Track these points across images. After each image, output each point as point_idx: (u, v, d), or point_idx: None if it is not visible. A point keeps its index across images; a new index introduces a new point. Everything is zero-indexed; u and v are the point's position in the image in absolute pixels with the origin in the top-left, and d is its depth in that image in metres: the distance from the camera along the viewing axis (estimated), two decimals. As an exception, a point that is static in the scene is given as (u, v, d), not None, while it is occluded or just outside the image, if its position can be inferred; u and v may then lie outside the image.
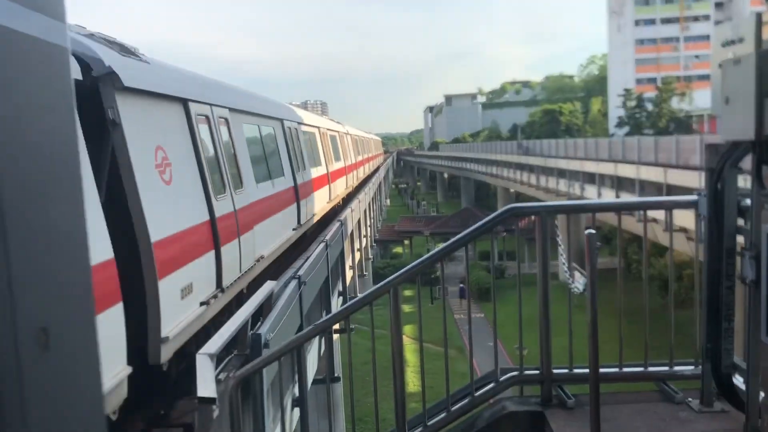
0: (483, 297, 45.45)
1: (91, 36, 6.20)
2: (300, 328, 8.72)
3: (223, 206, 8.05)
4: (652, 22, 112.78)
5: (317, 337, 8.77)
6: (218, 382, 5.40)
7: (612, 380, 5.03)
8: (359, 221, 23.38)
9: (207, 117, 8.24)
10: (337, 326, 7.27)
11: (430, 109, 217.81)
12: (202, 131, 7.96)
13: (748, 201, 4.06)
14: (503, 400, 5.03)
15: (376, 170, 50.17)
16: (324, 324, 5.14)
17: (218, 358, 5.54)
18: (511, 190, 67.49)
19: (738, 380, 4.36)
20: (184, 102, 7.53)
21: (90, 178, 5.21)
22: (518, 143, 68.81)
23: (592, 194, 39.77)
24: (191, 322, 6.69)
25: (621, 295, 5.12)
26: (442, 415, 4.83)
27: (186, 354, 6.70)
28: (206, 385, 5.03)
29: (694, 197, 4.59)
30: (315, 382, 12.01)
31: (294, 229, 12.91)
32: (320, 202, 16.97)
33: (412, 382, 25.33)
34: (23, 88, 1.02)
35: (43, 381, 0.99)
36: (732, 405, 4.45)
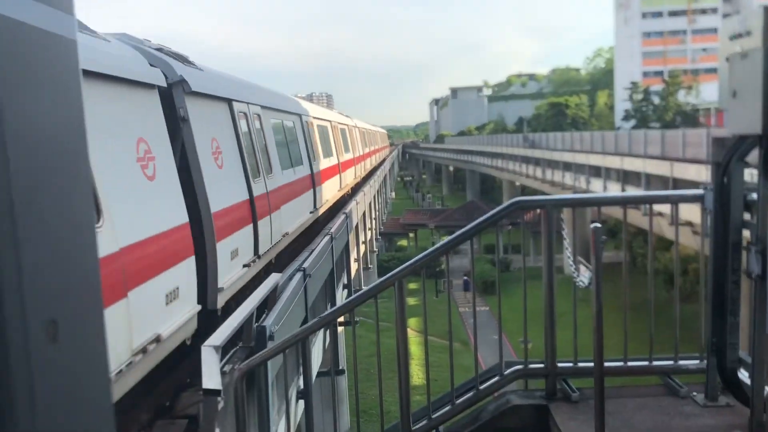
0: (488, 290, 45.44)
1: (160, 49, 7.53)
2: (305, 321, 8.74)
3: (258, 188, 9.58)
4: (659, 14, 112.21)
5: (322, 330, 8.78)
6: (223, 374, 5.42)
7: (617, 374, 5.04)
8: (364, 214, 23.36)
9: (245, 113, 9.79)
10: (341, 319, 7.30)
11: (436, 101, 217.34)
12: (242, 125, 9.48)
13: (754, 195, 4.05)
14: (508, 394, 5.03)
15: (382, 162, 51.10)
16: (329, 316, 5.15)
17: (223, 350, 5.56)
18: (517, 183, 67.41)
19: (743, 375, 4.36)
20: (228, 101, 9.06)
21: (171, 162, 6.63)
22: (524, 136, 68.67)
23: (597, 188, 39.71)
24: (237, 279, 8.21)
25: (626, 289, 5.12)
26: (447, 408, 4.84)
27: (230, 307, 7.61)
28: (211, 377, 5.05)
29: (700, 191, 4.58)
30: (320, 374, 12.03)
31: (311, 212, 14.58)
32: (332, 190, 18.61)
33: (417, 375, 25.37)
34: (31, 80, 1.02)
35: (51, 372, 1.00)
36: (737, 399, 4.44)
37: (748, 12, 3.81)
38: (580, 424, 4.43)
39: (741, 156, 4.11)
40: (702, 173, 25.50)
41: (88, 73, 5.15)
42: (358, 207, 19.88)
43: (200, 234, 7.17)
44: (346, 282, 16.63)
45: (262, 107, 11.13)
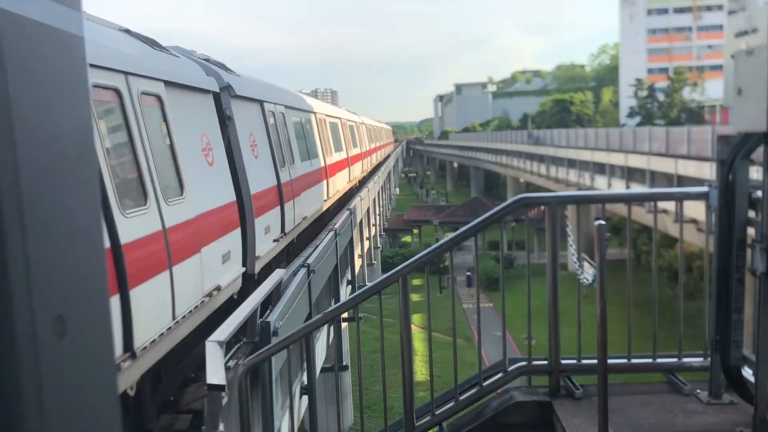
0: (491, 287, 45.41)
1: (207, 60, 9.39)
2: (309, 317, 8.76)
3: (284, 176, 11.28)
4: (664, 11, 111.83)
5: (326, 326, 8.80)
6: (227, 369, 5.44)
7: (620, 371, 5.04)
8: (368, 210, 23.38)
9: (273, 112, 11.54)
10: (345, 315, 7.30)
11: (440, 98, 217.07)
12: (270, 122, 11.14)
13: (759, 193, 4.04)
14: (511, 390, 5.04)
15: (387, 157, 52.33)
16: (333, 312, 5.16)
17: (228, 345, 5.57)
18: (521, 180, 67.29)
19: (747, 372, 4.35)
20: (260, 102, 10.77)
21: (223, 152, 8.24)
22: (528, 133, 68.54)
23: (602, 185, 39.59)
24: (269, 251, 9.77)
25: (630, 286, 5.11)
26: (450, 404, 4.84)
27: (265, 273, 9.25)
28: (215, 372, 5.07)
29: (705, 188, 4.57)
30: (323, 370, 12.06)
31: (324, 200, 16.17)
32: (342, 182, 20.34)
33: (420, 371, 25.39)
34: (39, 77, 1.02)
35: (59, 368, 1.01)
36: (741, 397, 4.44)
37: (754, 9, 3.81)
38: (583, 421, 4.43)
39: (746, 153, 4.10)
40: (703, 170, 25.41)
41: (177, 85, 7.15)
42: (362, 203, 19.92)
43: (242, 211, 8.66)
44: (350, 278, 16.65)
45: (285, 107, 12.93)
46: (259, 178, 9.69)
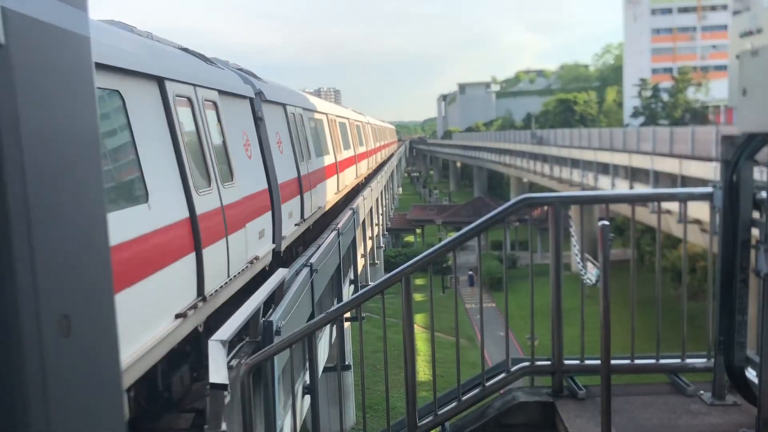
0: (494, 287, 45.39)
1: (240, 69, 11.25)
2: (311, 316, 8.76)
3: (303, 169, 12.85)
4: (668, 11, 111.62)
5: (328, 325, 8.80)
6: (230, 368, 5.44)
7: (623, 372, 5.03)
8: (371, 210, 23.41)
9: (293, 114, 13.15)
10: (348, 314, 7.30)
11: (444, 97, 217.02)
12: (291, 123, 12.74)
13: (763, 194, 4.04)
14: (514, 391, 5.03)
15: (391, 156, 53.34)
16: (335, 312, 5.16)
17: (230, 344, 5.58)
18: (524, 180, 67.23)
19: (750, 373, 4.35)
20: (284, 106, 12.35)
21: (257, 147, 9.88)
22: (532, 132, 68.47)
23: (605, 185, 39.55)
24: (292, 232, 11.35)
25: (633, 287, 5.11)
26: (453, 404, 4.84)
27: (285, 256, 11.06)
28: (218, 372, 5.07)
29: (709, 189, 4.56)
30: (326, 369, 12.07)
31: (335, 193, 17.82)
32: (350, 177, 22.11)
33: (423, 371, 25.37)
34: (45, 77, 1.02)
35: (64, 366, 1.01)
36: (744, 398, 4.43)
37: (759, 9, 3.79)
38: (586, 421, 4.43)
39: (750, 154, 4.10)
40: (707, 171, 25.36)
41: (226, 93, 8.66)
42: (365, 202, 19.95)
43: (272, 197, 10.16)
44: (352, 277, 16.65)
45: (303, 109, 14.57)
46: (284, 171, 11.27)
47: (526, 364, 4.99)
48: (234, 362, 5.85)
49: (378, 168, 37.10)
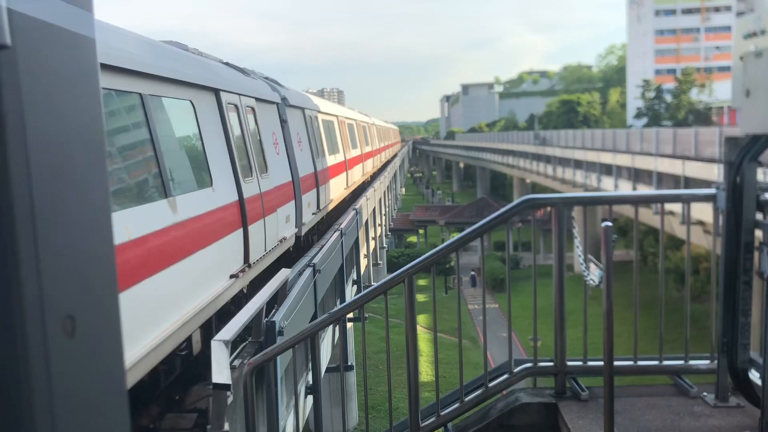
0: (497, 287, 45.37)
1: (266, 78, 12.91)
2: (314, 317, 8.77)
3: (319, 165, 14.58)
4: (672, 12, 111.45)
5: (331, 326, 8.80)
6: (233, 368, 5.44)
7: (626, 373, 5.02)
8: (374, 210, 23.44)
9: (310, 116, 14.87)
10: (351, 315, 7.31)
11: (447, 98, 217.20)
12: (308, 124, 14.40)
13: (767, 195, 4.03)
14: (517, 392, 5.03)
15: (394, 156, 55.06)
16: (338, 312, 5.16)
17: (233, 344, 5.58)
18: (527, 181, 67.17)
19: (754, 375, 4.34)
20: (302, 109, 14.07)
21: (283, 146, 11.40)
22: (535, 133, 68.38)
23: (608, 186, 39.50)
24: (310, 221, 12.83)
25: (636, 288, 5.10)
26: (456, 405, 4.84)
27: (303, 241, 12.70)
28: (221, 372, 5.07)
29: (712, 190, 4.56)
30: (328, 370, 12.08)
31: (345, 188, 19.53)
32: (358, 175, 23.80)
33: (426, 371, 25.36)
34: (51, 78, 1.03)
35: (69, 368, 1.01)
36: (747, 400, 4.43)
37: (763, 11, 3.79)
38: (589, 423, 4.43)
39: (754, 156, 4.09)
40: (707, 172, 25.33)
41: (261, 99, 10.38)
42: (368, 203, 19.98)
43: (294, 188, 11.61)
44: (355, 278, 16.65)
45: (317, 111, 16.18)
46: (304, 166, 12.88)
47: (529, 365, 4.98)
48: (237, 362, 5.86)
49: (383, 167, 39.44)
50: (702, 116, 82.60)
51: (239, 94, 8.90)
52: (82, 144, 1.11)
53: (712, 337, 4.68)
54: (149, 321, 5.26)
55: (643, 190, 33.16)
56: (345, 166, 19.65)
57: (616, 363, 4.20)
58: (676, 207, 20.53)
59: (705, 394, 4.70)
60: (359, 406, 18.26)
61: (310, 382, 7.71)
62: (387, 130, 54.03)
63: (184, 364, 5.87)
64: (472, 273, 50.92)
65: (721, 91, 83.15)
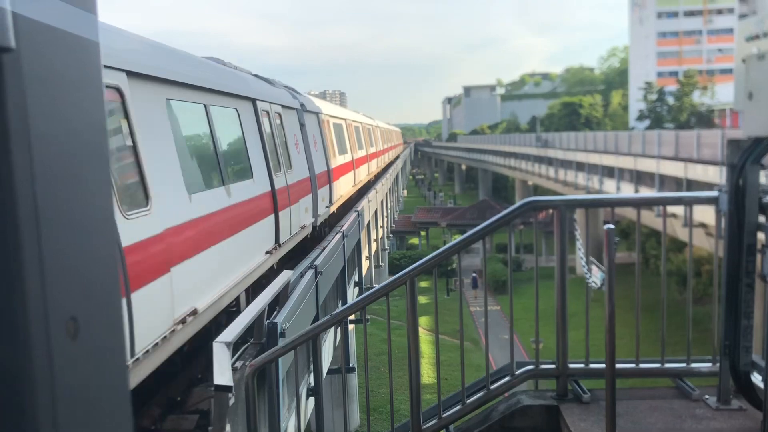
0: (499, 290, 45.32)
1: (286, 87, 14.45)
2: (316, 318, 8.77)
3: (331, 164, 16.33)
4: (674, 14, 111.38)
5: (333, 328, 8.80)
6: (234, 370, 5.45)
7: (628, 375, 5.02)
8: (376, 212, 23.44)
9: (323, 120, 16.59)
10: (352, 317, 7.30)
11: (449, 100, 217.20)
12: (321, 127, 16.09)
13: (769, 198, 4.02)
14: (518, 394, 5.02)
15: (397, 157, 56.53)
16: (340, 314, 5.16)
17: (235, 346, 5.58)
18: (529, 183, 67.13)
19: (756, 378, 4.33)
20: (317, 114, 15.81)
21: (302, 147, 12.88)
22: (537, 135, 68.33)
23: (611, 188, 39.47)
24: (324, 213, 14.59)
25: (638, 290, 5.09)
26: (457, 407, 4.83)
27: (318, 231, 14.47)
28: (222, 373, 5.08)
29: (714, 193, 4.55)
30: (330, 371, 12.08)
31: (352, 186, 21.34)
32: (364, 173, 25.76)
33: (427, 373, 25.35)
34: (55, 81, 1.03)
35: (71, 370, 1.02)
36: (750, 403, 4.42)
37: (765, 13, 3.78)
38: (590, 425, 4.42)
39: (757, 158, 4.09)
40: (709, 174, 25.30)
41: (286, 106, 12.12)
42: (369, 205, 20.01)
43: (311, 184, 13.05)
44: (357, 280, 16.65)
45: (329, 115, 17.98)
46: (319, 164, 14.45)
47: (531, 367, 4.98)
48: (238, 364, 5.86)
49: (386, 167, 41.67)
50: (704, 119, 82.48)
51: (269, 102, 10.68)
52: (85, 146, 1.12)
53: (714, 340, 4.67)
54: (217, 277, 6.89)
55: (646, 192, 33.13)
56: (352, 165, 21.44)
57: (618, 365, 4.19)
58: (679, 209, 20.52)
59: (707, 396, 4.70)
60: (361, 408, 18.24)
61: (312, 384, 7.72)
62: (390, 132, 55.96)
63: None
64: (474, 275, 50.89)
65: (723, 94, 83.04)
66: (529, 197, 5.15)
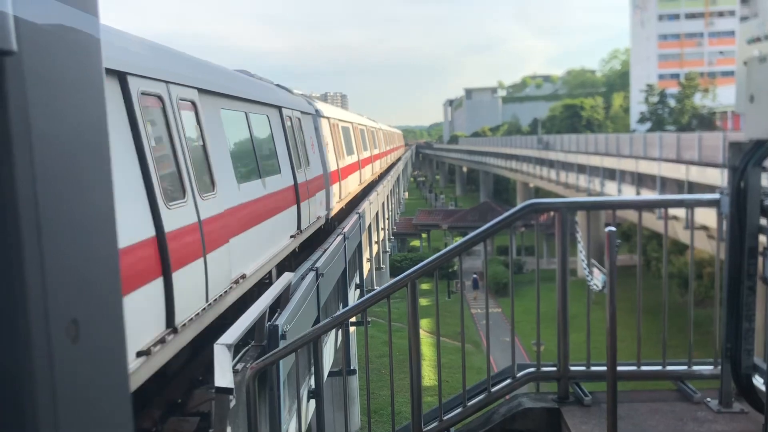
0: (500, 292, 45.31)
1: (302, 95, 16.06)
2: (317, 320, 8.76)
3: (341, 163, 17.93)
4: (675, 17, 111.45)
5: (334, 330, 8.80)
6: (235, 372, 5.44)
7: (629, 378, 5.01)
8: (377, 214, 23.46)
9: (334, 124, 18.24)
10: (353, 319, 7.30)
11: (450, 102, 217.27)
12: (332, 130, 17.61)
13: (771, 200, 4.02)
14: (519, 396, 5.02)
15: (399, 159, 58.46)
16: (341, 316, 5.16)
17: (236, 348, 5.58)
18: (531, 185, 67.13)
19: (758, 381, 4.33)
20: (328, 119, 17.29)
21: (317, 148, 14.72)
22: (538, 138, 68.35)
23: (612, 190, 39.46)
24: (336, 206, 16.10)
25: (640, 293, 5.08)
26: (458, 410, 4.83)
27: (329, 224, 15.82)
28: (223, 375, 5.07)
29: (716, 196, 4.55)
30: (331, 374, 12.07)
31: (359, 184, 23.12)
32: (368, 173, 27.53)
33: (428, 376, 25.32)
34: (57, 83, 1.03)
35: (73, 372, 1.01)
36: (751, 406, 4.41)
37: (767, 16, 3.78)
38: (592, 428, 4.41)
39: (758, 161, 4.08)
40: (711, 177, 25.29)
41: (304, 112, 13.89)
42: (371, 207, 20.04)
43: (325, 181, 14.59)
44: (358, 282, 16.65)
45: (339, 119, 19.79)
46: (330, 164, 15.95)
47: (532, 369, 4.97)
48: (239, 366, 5.86)
49: (389, 168, 44.00)
50: (706, 121, 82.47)
51: (291, 109, 12.40)
52: (86, 148, 1.12)
53: (715, 343, 4.67)
54: (257, 251, 8.42)
55: (647, 194, 33.11)
56: (358, 165, 23.37)
57: (619, 368, 4.19)
58: (680, 212, 20.49)
59: (708, 399, 4.69)
60: (362, 410, 18.23)
61: (313, 386, 7.72)
62: (392, 134, 59.00)
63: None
64: (474, 276, 50.89)
65: (724, 96, 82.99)
66: (530, 199, 5.14)
